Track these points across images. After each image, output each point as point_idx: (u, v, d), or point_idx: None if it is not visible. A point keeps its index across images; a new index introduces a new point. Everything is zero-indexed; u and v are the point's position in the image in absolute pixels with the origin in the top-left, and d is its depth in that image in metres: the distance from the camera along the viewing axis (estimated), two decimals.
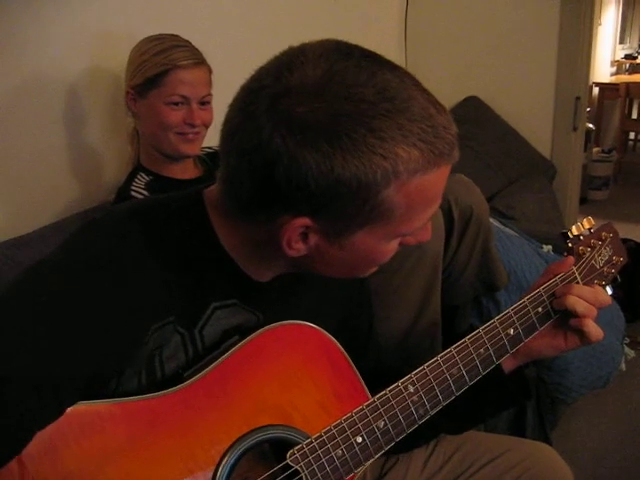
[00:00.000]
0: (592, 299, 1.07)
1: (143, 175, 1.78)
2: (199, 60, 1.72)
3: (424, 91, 0.81)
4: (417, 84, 0.81)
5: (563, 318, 1.10)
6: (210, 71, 1.75)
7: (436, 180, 0.83)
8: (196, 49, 1.73)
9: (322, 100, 0.76)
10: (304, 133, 0.76)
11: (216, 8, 2.27)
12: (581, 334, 1.09)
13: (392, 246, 0.88)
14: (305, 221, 0.81)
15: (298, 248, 0.85)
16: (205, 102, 1.73)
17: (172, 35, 1.73)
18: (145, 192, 1.74)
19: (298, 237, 0.83)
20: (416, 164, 0.79)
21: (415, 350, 1.55)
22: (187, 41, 1.74)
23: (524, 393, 1.15)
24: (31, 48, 1.75)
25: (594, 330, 1.07)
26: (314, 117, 0.76)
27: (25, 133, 1.78)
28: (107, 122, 1.99)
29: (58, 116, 1.87)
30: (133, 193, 1.74)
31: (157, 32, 1.74)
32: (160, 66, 1.68)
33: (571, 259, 1.13)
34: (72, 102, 1.89)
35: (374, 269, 0.95)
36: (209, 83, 1.74)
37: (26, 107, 1.78)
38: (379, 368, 1.13)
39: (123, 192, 1.76)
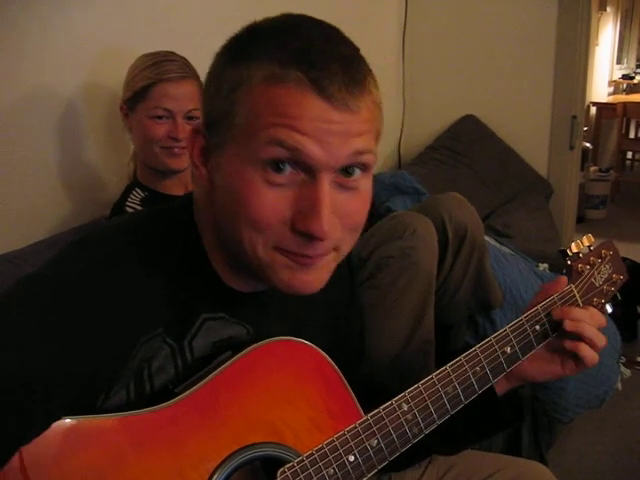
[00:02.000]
0: (591, 322, 1.06)
1: (139, 191, 1.78)
2: (185, 74, 1.71)
3: (330, 37, 0.84)
4: (327, 31, 0.85)
5: (558, 343, 1.09)
6: (201, 87, 1.74)
7: (294, 99, 0.78)
8: (189, 65, 1.74)
9: (253, 24, 0.86)
10: (227, 43, 0.87)
11: (217, 25, 2.27)
12: (576, 358, 1.07)
13: (256, 181, 0.80)
14: (200, 128, 0.87)
15: (201, 170, 0.88)
16: (193, 117, 1.72)
17: (168, 52, 1.74)
18: (140, 208, 1.74)
19: (199, 153, 0.88)
20: (270, 72, 0.79)
21: (408, 368, 1.54)
22: (181, 57, 1.74)
23: (517, 416, 1.13)
24: (30, 62, 1.75)
25: (590, 355, 1.06)
26: (241, 31, 0.86)
27: (22, 147, 1.78)
28: (105, 137, 1.99)
29: (56, 130, 1.87)
30: (128, 209, 1.73)
31: (158, 49, 1.75)
32: (146, 80, 1.68)
33: (564, 279, 1.12)
34: (70, 117, 1.89)
35: (268, 250, 0.84)
36: (197, 98, 1.72)
37: (24, 121, 1.78)
38: (372, 385, 1.12)
39: (118, 207, 1.76)
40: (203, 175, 0.87)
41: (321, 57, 0.78)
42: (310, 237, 0.81)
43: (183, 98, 1.70)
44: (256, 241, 0.83)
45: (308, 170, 0.80)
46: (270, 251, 0.83)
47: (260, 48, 0.80)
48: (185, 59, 1.75)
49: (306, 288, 0.86)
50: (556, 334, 1.09)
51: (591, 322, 1.06)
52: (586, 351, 1.05)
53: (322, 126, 0.78)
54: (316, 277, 0.86)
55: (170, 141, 1.70)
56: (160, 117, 1.69)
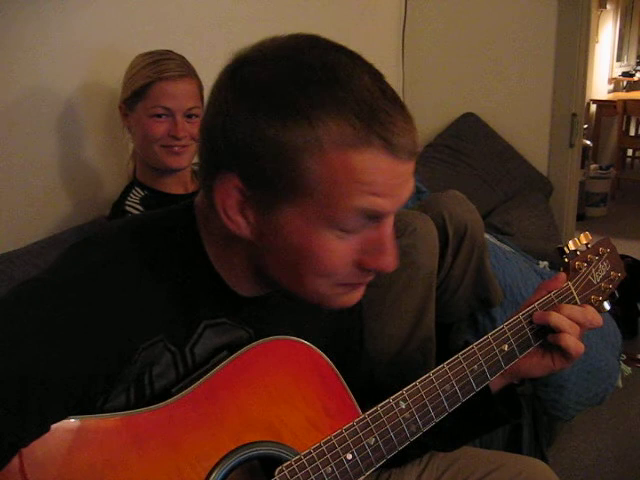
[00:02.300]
0: (581, 318, 1.06)
1: (138, 190, 1.78)
2: (184, 73, 1.71)
3: (379, 80, 0.80)
4: (373, 72, 0.80)
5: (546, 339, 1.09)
6: (199, 84, 1.74)
7: (371, 165, 0.77)
8: (187, 63, 1.74)
9: (268, 62, 0.79)
10: (242, 89, 0.78)
11: (216, 23, 2.28)
12: (561, 350, 1.07)
13: (332, 243, 0.81)
14: (235, 181, 0.80)
15: (237, 221, 0.83)
16: (193, 115, 1.72)
17: (165, 50, 1.74)
18: (139, 207, 1.74)
19: (235, 207, 0.82)
20: (344, 138, 0.76)
21: (408, 366, 1.54)
22: (179, 55, 1.74)
23: (514, 412, 1.13)
24: (29, 63, 1.75)
25: (572, 344, 1.05)
26: (256, 76, 0.78)
27: (21, 147, 1.78)
28: (104, 137, 1.99)
29: (55, 130, 1.87)
30: (127, 208, 1.73)
31: (156, 48, 1.75)
32: (145, 78, 1.68)
33: (563, 276, 1.12)
34: (69, 117, 1.89)
35: (341, 295, 0.88)
36: (197, 96, 1.73)
37: (23, 121, 1.78)
38: (370, 384, 1.12)
39: (118, 207, 1.76)
40: (240, 225, 0.83)
41: (386, 114, 0.78)
42: (375, 271, 0.86)
43: (182, 96, 1.70)
44: (320, 284, 0.86)
45: (375, 218, 0.83)
46: (333, 288, 0.87)
47: (318, 107, 0.76)
48: (183, 57, 1.75)
49: (353, 302, 0.91)
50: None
51: (585, 320, 1.06)
52: (567, 341, 1.04)
53: (394, 182, 0.80)
54: (362, 292, 0.92)
55: (170, 140, 1.70)
56: (160, 116, 1.69)
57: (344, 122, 0.76)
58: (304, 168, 0.77)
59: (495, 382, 1.09)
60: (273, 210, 0.81)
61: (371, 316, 1.50)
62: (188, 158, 1.76)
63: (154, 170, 1.77)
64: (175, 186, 1.80)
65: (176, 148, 1.71)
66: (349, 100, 0.76)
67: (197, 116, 1.72)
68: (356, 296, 0.90)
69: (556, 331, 1.05)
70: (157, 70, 1.68)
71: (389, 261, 0.85)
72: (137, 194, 1.77)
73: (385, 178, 0.79)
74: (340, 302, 0.90)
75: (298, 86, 0.76)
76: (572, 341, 1.05)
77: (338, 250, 0.82)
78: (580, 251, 1.15)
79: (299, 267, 0.84)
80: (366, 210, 0.80)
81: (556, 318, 1.05)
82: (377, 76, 0.80)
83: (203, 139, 0.84)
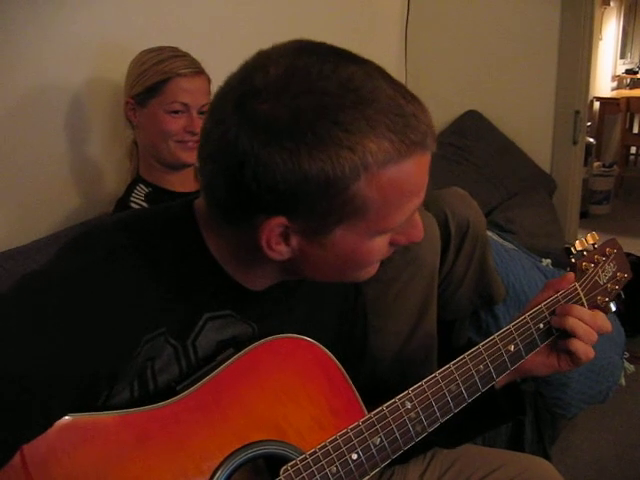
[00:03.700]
0: (591, 322, 1.05)
1: (142, 186, 1.78)
2: (198, 69, 1.73)
3: (392, 82, 0.80)
4: (385, 76, 0.80)
5: (556, 338, 1.09)
6: (209, 81, 1.75)
7: (412, 171, 0.80)
8: (195, 59, 1.75)
9: (284, 96, 0.75)
10: (267, 132, 0.75)
11: (217, 20, 2.28)
12: (570, 355, 1.07)
13: (379, 244, 0.86)
14: (281, 220, 0.80)
15: (280, 250, 0.83)
16: (204, 112, 1.73)
17: (171, 47, 1.75)
18: (144, 203, 1.74)
19: (278, 238, 0.82)
20: (386, 155, 0.77)
21: (410, 362, 1.54)
22: (186, 52, 1.75)
23: (518, 409, 1.13)
24: (32, 59, 1.75)
25: (583, 350, 1.05)
26: (277, 114, 0.75)
27: (25, 144, 1.78)
28: (107, 133, 1.99)
29: (58, 127, 1.87)
30: (132, 204, 1.74)
31: (159, 44, 1.75)
32: (160, 74, 1.69)
33: (572, 275, 1.11)
34: (73, 113, 1.89)
35: (369, 271, 0.92)
36: (208, 93, 1.75)
37: (26, 117, 1.78)
38: (374, 381, 1.12)
39: (122, 203, 1.76)
40: (282, 252, 0.84)
41: (414, 117, 0.79)
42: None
43: (198, 92, 1.72)
44: (359, 274, 0.92)
45: None
46: (365, 270, 0.92)
47: (354, 132, 0.75)
48: (188, 53, 1.76)
49: (372, 275, 0.94)
50: (559, 332, 1.09)
51: (594, 325, 1.05)
52: (578, 347, 1.05)
53: (425, 174, 0.84)
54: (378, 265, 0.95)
55: (187, 135, 1.72)
56: (176, 112, 1.70)
57: (382, 139, 0.76)
58: (353, 195, 0.78)
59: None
60: (320, 235, 0.82)
61: (374, 312, 1.50)
62: None
63: (162, 166, 1.78)
64: (180, 183, 1.81)
65: (190, 143, 1.73)
66: (380, 116, 0.76)
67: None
68: (376, 268, 0.93)
69: (570, 335, 1.05)
70: (173, 66, 1.69)
71: (418, 232, 0.90)
72: (142, 190, 1.78)
73: (422, 175, 0.83)
74: (364, 277, 0.93)
75: (327, 118, 0.75)
76: (582, 346, 1.05)
77: (382, 246, 0.87)
78: (587, 251, 1.15)
79: (343, 267, 0.88)
80: (412, 211, 0.85)
81: (573, 323, 1.04)
82: (388, 77, 0.80)
83: (224, 181, 0.80)
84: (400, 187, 0.80)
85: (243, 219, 0.82)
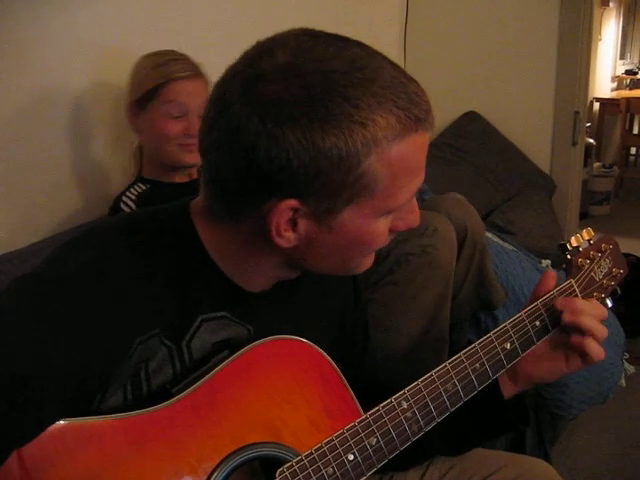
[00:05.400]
0: (592, 312, 1.05)
1: (140, 185, 1.80)
2: (196, 72, 1.73)
3: (392, 63, 0.83)
4: (384, 57, 0.83)
5: (562, 340, 1.08)
6: (208, 83, 1.75)
7: (416, 147, 0.83)
8: (193, 62, 1.75)
9: (293, 77, 0.77)
10: (281, 110, 0.77)
11: (218, 23, 2.28)
12: (583, 355, 1.06)
13: (382, 227, 0.87)
14: (292, 203, 0.80)
15: (288, 237, 0.84)
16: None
17: (170, 50, 1.75)
18: (132, 203, 1.76)
19: (287, 224, 0.83)
20: (394, 130, 0.79)
21: (420, 365, 1.54)
22: (184, 55, 1.75)
23: (522, 419, 1.13)
24: (35, 62, 1.75)
25: (596, 350, 1.04)
26: (288, 93, 0.77)
27: (28, 146, 1.78)
28: (111, 136, 1.99)
29: (62, 129, 1.87)
30: (122, 202, 1.76)
31: (162, 47, 1.76)
32: (158, 79, 1.69)
33: (552, 274, 1.12)
34: (76, 116, 1.89)
35: (367, 262, 0.93)
36: (207, 95, 1.74)
37: (29, 121, 1.78)
38: (374, 383, 1.11)
39: (115, 201, 1.79)
40: (289, 239, 0.84)
41: (416, 95, 0.82)
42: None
43: (197, 95, 1.71)
44: (361, 261, 0.93)
45: None
46: (366, 259, 0.93)
47: (363, 107, 0.77)
48: (187, 56, 1.76)
49: (369, 266, 0.96)
50: (556, 329, 1.08)
51: (592, 313, 1.05)
52: (592, 347, 1.04)
53: (425, 153, 0.86)
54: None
55: (186, 138, 1.72)
56: (176, 115, 1.71)
57: (389, 114, 0.79)
58: (364, 171, 0.79)
59: (507, 389, 1.10)
60: (330, 216, 0.83)
61: (387, 313, 1.51)
62: None
63: (168, 167, 1.79)
64: (179, 177, 1.83)
65: (192, 146, 1.73)
66: (386, 92, 0.79)
67: None
68: (372, 258, 0.95)
69: (575, 332, 1.05)
70: (171, 70, 1.69)
71: (415, 217, 0.91)
72: (138, 189, 1.79)
73: (424, 154, 0.85)
74: (362, 268, 0.94)
75: (337, 94, 0.77)
76: (595, 346, 1.04)
77: (385, 229, 0.88)
78: (582, 247, 1.14)
79: (347, 253, 0.89)
80: (414, 191, 0.86)
81: (589, 321, 1.04)
82: (388, 59, 0.83)
83: (232, 168, 0.81)
84: (407, 163, 0.82)
85: (251, 207, 0.83)
